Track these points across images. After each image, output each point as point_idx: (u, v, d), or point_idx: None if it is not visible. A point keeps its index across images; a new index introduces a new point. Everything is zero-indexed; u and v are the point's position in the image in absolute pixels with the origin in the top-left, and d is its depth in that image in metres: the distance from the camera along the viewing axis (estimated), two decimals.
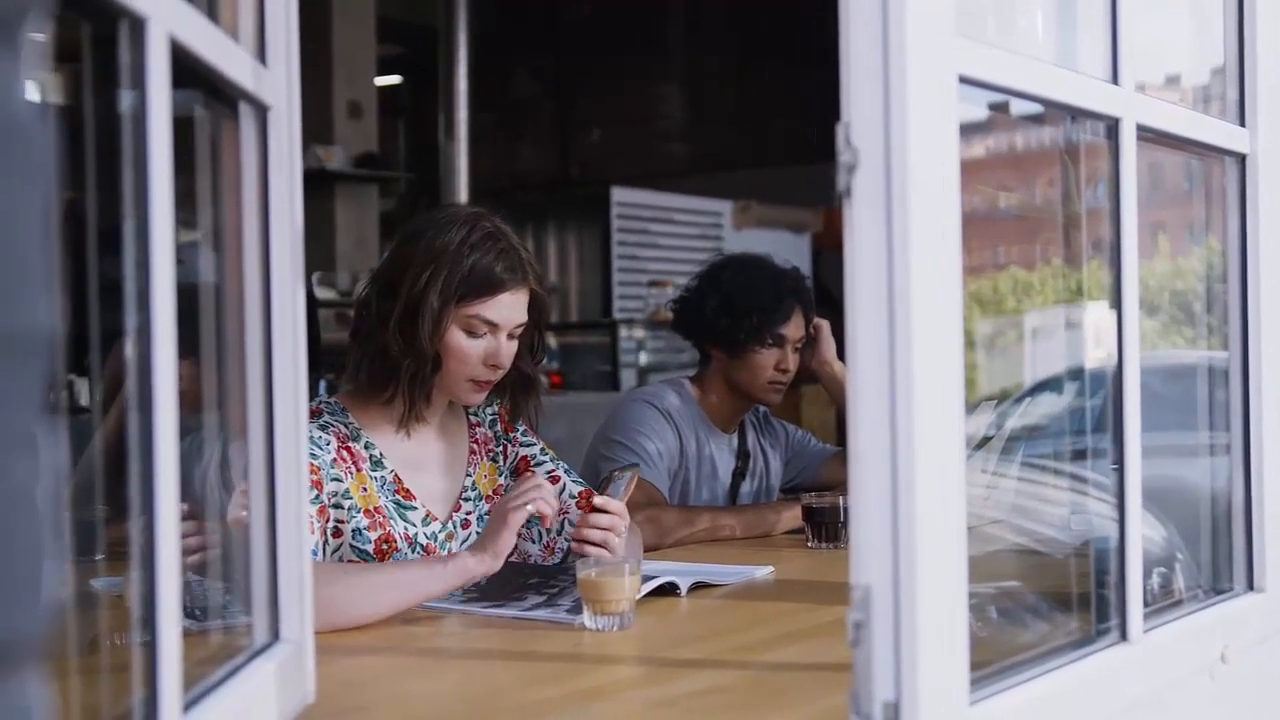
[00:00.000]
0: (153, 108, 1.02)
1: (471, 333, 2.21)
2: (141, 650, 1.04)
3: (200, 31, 1.14)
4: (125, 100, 1.03)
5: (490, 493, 2.39)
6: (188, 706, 1.10)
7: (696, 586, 2.20)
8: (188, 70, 1.12)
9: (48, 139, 0.60)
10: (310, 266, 1.49)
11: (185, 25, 1.08)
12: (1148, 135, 1.59)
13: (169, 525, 1.03)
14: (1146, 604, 1.57)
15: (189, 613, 1.28)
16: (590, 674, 1.72)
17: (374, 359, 2.22)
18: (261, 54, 1.37)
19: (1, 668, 0.56)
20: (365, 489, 2.21)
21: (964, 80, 1.26)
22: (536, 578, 2.16)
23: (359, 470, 2.21)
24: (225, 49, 1.23)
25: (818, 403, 6.88)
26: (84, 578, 1.56)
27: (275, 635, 1.39)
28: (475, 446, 2.40)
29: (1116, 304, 1.54)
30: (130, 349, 1.04)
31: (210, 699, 1.18)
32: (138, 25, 1.00)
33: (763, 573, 2.37)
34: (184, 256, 1.12)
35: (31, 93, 0.59)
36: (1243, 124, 1.82)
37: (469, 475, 2.37)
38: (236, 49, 1.27)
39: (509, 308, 2.23)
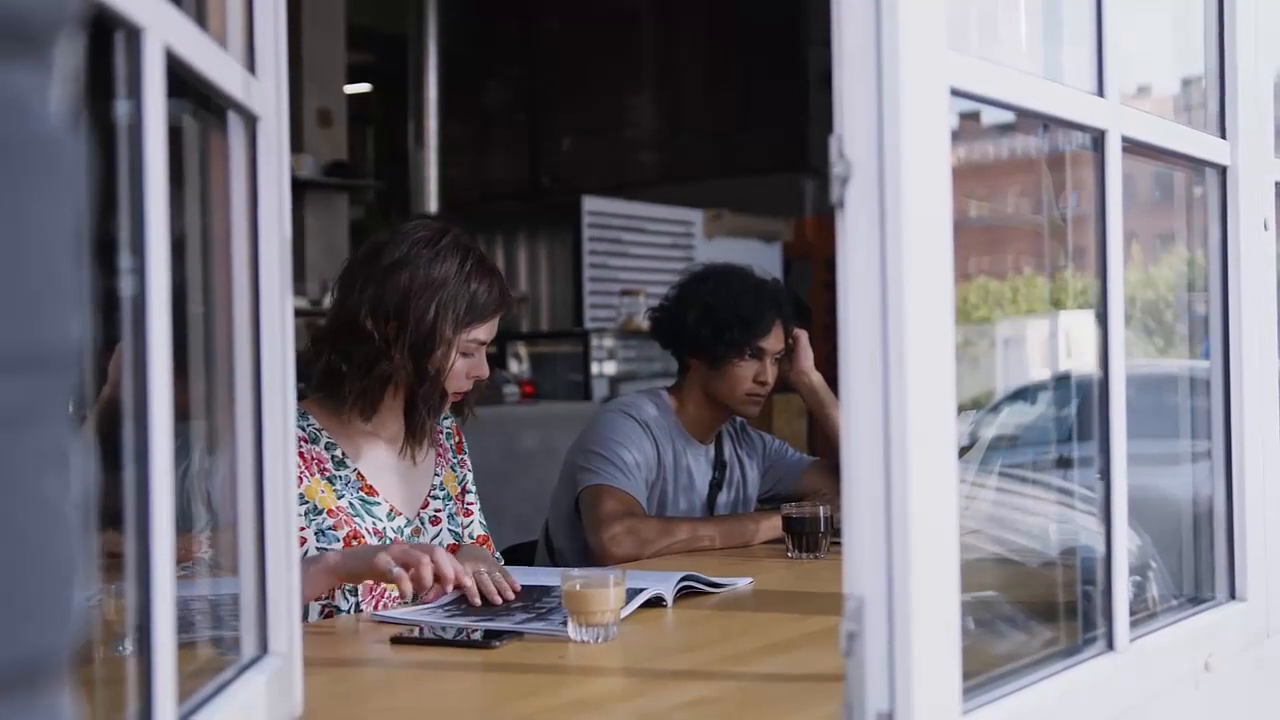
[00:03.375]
0: (149, 117, 1.01)
1: (466, 354, 2.32)
2: (134, 663, 1.03)
3: (194, 42, 1.13)
4: (119, 109, 1.02)
5: (455, 495, 2.48)
6: None
7: (683, 592, 2.21)
8: (178, 79, 1.11)
9: (79, 153, 0.60)
10: None
11: (180, 35, 1.08)
12: (1132, 147, 1.60)
13: (164, 538, 1.02)
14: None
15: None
16: (577, 686, 1.72)
17: (379, 385, 2.28)
18: (251, 64, 1.36)
19: (37, 683, 0.56)
20: (324, 491, 2.26)
21: (955, 93, 1.27)
22: (522, 600, 2.14)
23: (313, 474, 2.26)
24: (217, 59, 1.22)
25: (788, 412, 6.90)
26: None
27: (264, 649, 1.38)
28: (441, 450, 2.49)
29: (1102, 314, 1.55)
30: (125, 359, 1.03)
31: (201, 713, 1.17)
32: (134, 35, 0.99)
33: (743, 584, 2.37)
34: (170, 266, 1.12)
35: (62, 107, 0.59)
36: (1223, 136, 1.84)
37: (437, 475, 2.45)
38: (227, 59, 1.27)
39: (495, 326, 2.37)
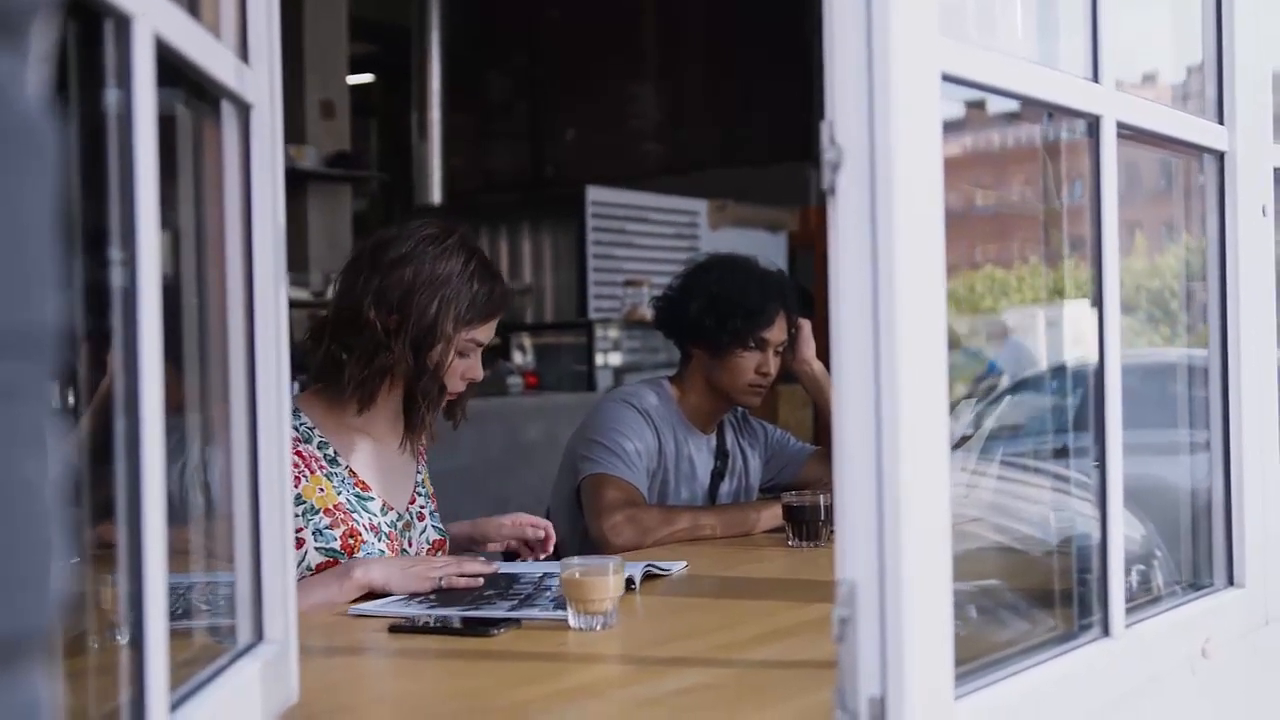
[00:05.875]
0: (138, 106, 1.01)
1: (462, 353, 2.34)
2: (128, 651, 1.03)
3: (185, 30, 1.13)
4: (109, 98, 1.03)
5: (432, 494, 2.51)
6: (174, 706, 1.10)
7: (648, 577, 2.26)
8: (170, 68, 1.12)
9: (54, 137, 0.60)
10: None
11: (170, 23, 1.08)
12: (1128, 133, 1.60)
13: (155, 527, 1.03)
14: (1127, 600, 1.57)
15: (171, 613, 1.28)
16: (575, 673, 1.72)
17: (377, 377, 2.30)
18: (244, 52, 1.36)
19: (12, 661, 0.56)
20: (322, 489, 2.28)
21: (947, 78, 1.27)
22: (492, 589, 2.15)
23: (313, 472, 2.27)
24: (209, 47, 1.22)
25: (793, 401, 6.90)
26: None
27: (259, 635, 1.39)
28: (422, 449, 2.52)
29: (1097, 301, 1.55)
30: (114, 350, 1.03)
31: (195, 699, 1.18)
32: (123, 23, 1.00)
33: (678, 568, 2.40)
34: (163, 256, 1.12)
35: (38, 91, 0.59)
36: (1221, 121, 1.83)
37: (419, 473, 2.49)
38: (220, 47, 1.27)
39: (493, 329, 2.39)
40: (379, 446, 2.40)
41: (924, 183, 1.22)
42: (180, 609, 1.43)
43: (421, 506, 2.46)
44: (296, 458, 2.24)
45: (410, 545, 2.39)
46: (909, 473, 1.18)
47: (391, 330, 2.27)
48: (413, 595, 2.11)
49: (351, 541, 2.26)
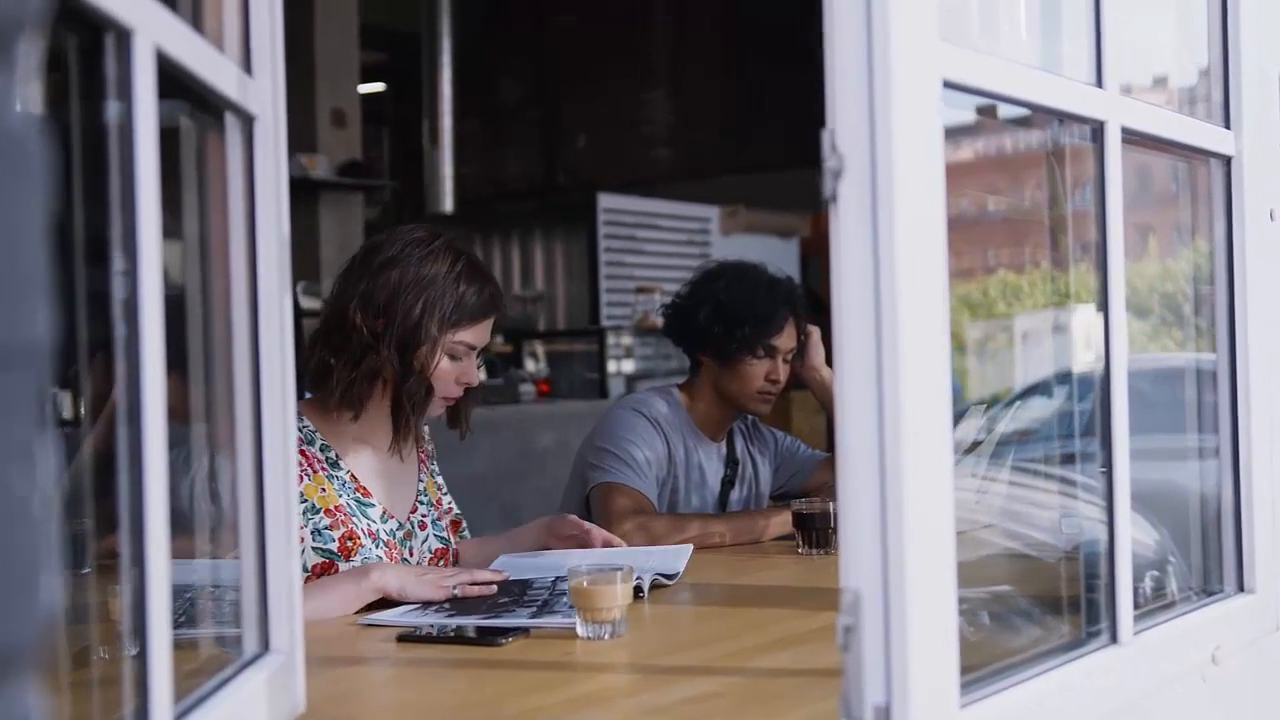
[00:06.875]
0: (139, 119, 1.02)
1: (453, 356, 2.34)
2: (133, 662, 1.04)
3: (186, 42, 1.13)
4: (111, 111, 1.03)
5: (435, 501, 2.51)
6: (178, 718, 1.10)
7: (656, 586, 2.25)
8: (172, 80, 1.12)
9: (43, 151, 0.60)
10: (294, 276, 1.54)
11: (171, 36, 1.08)
12: (1133, 138, 1.59)
13: (158, 537, 1.03)
14: (1138, 607, 1.57)
15: (175, 623, 1.28)
16: (583, 682, 1.72)
17: (365, 380, 2.30)
18: (247, 64, 1.37)
19: (2, 675, 0.56)
20: (324, 490, 2.29)
21: (948, 85, 1.27)
22: (507, 597, 2.15)
23: (315, 473, 2.29)
24: (211, 60, 1.22)
25: (807, 408, 6.89)
26: (74, 591, 1.55)
27: (265, 646, 1.39)
28: (423, 457, 2.52)
29: (1103, 306, 1.55)
30: (117, 361, 1.04)
31: (201, 710, 1.18)
32: (124, 36, 1.00)
33: (684, 557, 2.40)
34: (168, 268, 1.12)
35: (27, 105, 0.59)
36: (1228, 126, 1.83)
37: (421, 481, 2.49)
38: (222, 59, 1.27)
39: (487, 332, 2.38)
40: (380, 454, 2.40)
41: (925, 189, 1.22)
42: (185, 616, 1.43)
43: (423, 515, 2.46)
44: (299, 457, 2.24)
45: (411, 554, 2.39)
46: (912, 480, 1.17)
47: (378, 333, 2.28)
48: (427, 604, 2.11)
49: (350, 545, 2.26)
